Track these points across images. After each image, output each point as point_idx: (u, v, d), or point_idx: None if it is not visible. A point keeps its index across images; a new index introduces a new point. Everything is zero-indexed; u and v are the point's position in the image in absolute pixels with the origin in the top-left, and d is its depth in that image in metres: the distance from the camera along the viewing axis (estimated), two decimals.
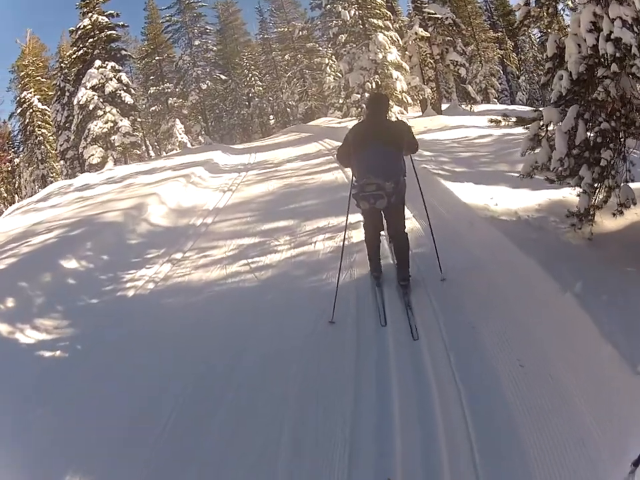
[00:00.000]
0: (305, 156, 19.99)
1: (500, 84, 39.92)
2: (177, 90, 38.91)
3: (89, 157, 30.62)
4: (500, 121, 7.60)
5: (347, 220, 6.90)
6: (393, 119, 18.67)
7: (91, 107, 30.39)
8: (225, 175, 18.90)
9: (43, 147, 38.75)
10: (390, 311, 6.12)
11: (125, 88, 31.59)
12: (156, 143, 42.29)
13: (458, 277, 6.58)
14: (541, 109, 6.93)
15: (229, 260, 8.87)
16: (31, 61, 40.48)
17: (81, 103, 30.44)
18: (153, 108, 40.18)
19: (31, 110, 38.49)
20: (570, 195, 6.94)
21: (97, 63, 30.72)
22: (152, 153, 40.51)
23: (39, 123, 38.63)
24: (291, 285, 7.44)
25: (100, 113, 30.54)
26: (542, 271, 5.64)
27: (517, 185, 7.97)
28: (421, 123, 20.78)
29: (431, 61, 27.93)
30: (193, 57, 39.54)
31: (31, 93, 38.83)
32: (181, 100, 38.35)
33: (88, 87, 30.43)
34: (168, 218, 12.33)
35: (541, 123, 6.61)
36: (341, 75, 26.05)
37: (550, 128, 6.49)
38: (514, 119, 7.50)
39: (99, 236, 10.25)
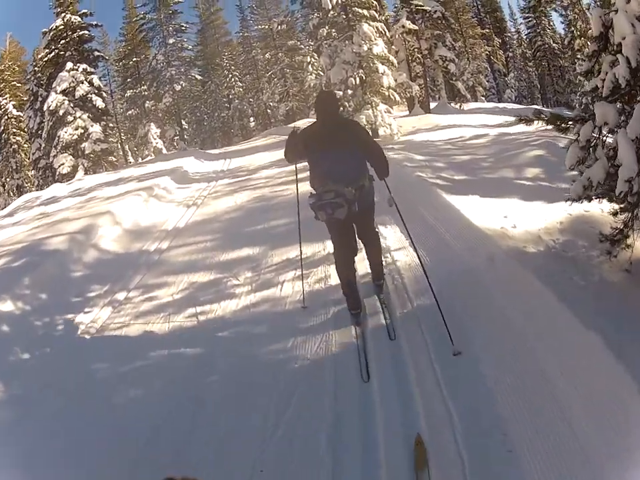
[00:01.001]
0: (282, 162, 16.38)
1: (487, 82, 39.07)
2: (151, 92, 36.58)
3: (59, 166, 28.45)
4: (532, 120, 5.79)
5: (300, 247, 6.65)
6: (374, 118, 17.63)
7: (61, 112, 27.93)
8: (193, 185, 17.00)
9: (17, 155, 36.55)
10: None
11: (96, 91, 29.30)
12: (135, 149, 40.60)
13: (479, 353, 4.90)
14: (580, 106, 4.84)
15: (175, 307, 7.28)
16: (7, 65, 38.40)
17: (51, 108, 27.93)
18: (130, 112, 38.23)
19: (6, 117, 36.31)
20: (594, 208, 6.27)
21: (69, 65, 28.56)
22: (131, 159, 39.07)
23: (14, 130, 36.41)
24: (247, 353, 5.79)
25: (70, 118, 28.40)
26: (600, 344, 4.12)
27: (528, 196, 7.64)
28: (408, 123, 19.69)
29: (419, 56, 26.68)
30: (167, 56, 36.97)
31: (6, 99, 36.78)
32: (154, 102, 36.23)
33: (58, 91, 27.90)
34: (120, 242, 10.69)
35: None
36: (322, 73, 23.64)
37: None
38: (545, 117, 5.74)
39: (40, 268, 8.83)
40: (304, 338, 5.73)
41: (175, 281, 8.20)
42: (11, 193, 35.55)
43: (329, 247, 7.12)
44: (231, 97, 43.87)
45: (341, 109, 18.00)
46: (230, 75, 43.70)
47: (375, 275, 6.24)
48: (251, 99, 44.05)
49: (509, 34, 46.67)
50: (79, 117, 28.25)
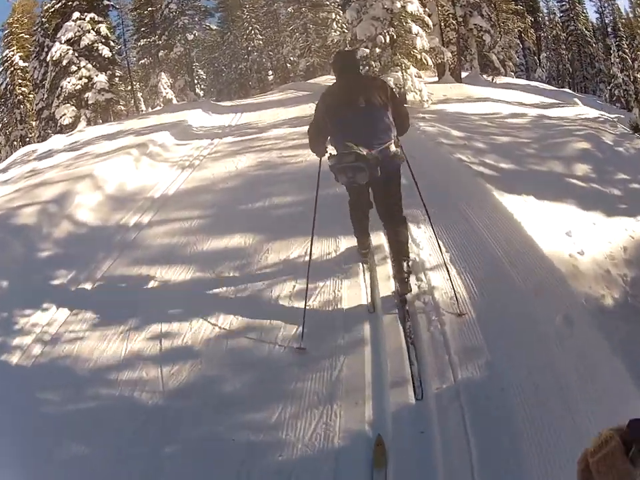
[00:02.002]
0: (296, 120, 15.96)
1: (518, 58, 36.93)
2: (162, 41, 34.31)
3: (61, 116, 26.70)
4: None
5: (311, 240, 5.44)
6: (403, 81, 15.69)
7: (64, 62, 26.42)
8: (194, 141, 14.99)
9: (22, 106, 35.10)
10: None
11: (103, 40, 27.73)
12: (148, 98, 38.20)
13: None
14: None
15: (139, 317, 5.64)
16: (16, 17, 36.85)
17: (54, 58, 26.49)
18: (142, 61, 36.03)
19: (12, 68, 35.01)
20: None
21: (75, 14, 27.02)
22: (143, 108, 37.49)
23: (20, 81, 34.98)
24: (210, 431, 4.02)
25: (74, 68, 26.59)
26: None
27: (585, 202, 6.84)
28: (439, 90, 17.61)
29: (453, 22, 24.42)
30: (180, 4, 34.76)
31: (13, 51, 35.40)
32: (166, 51, 34.09)
33: (63, 41, 26.45)
34: (99, 211, 9.25)
35: None
36: (347, 29, 21.55)
37: None
38: None
39: (6, 249, 7.67)
40: (295, 409, 3.99)
41: (146, 274, 6.62)
42: (15, 144, 34.40)
43: (342, 245, 6.18)
44: (250, 49, 42.32)
45: (367, 68, 16.28)
46: (250, 27, 42.10)
47: (400, 284, 5.05)
48: (270, 52, 42.47)
49: (542, 14, 44.48)
50: (84, 67, 26.82)
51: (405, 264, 5.06)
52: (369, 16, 15.75)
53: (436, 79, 22.11)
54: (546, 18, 44.80)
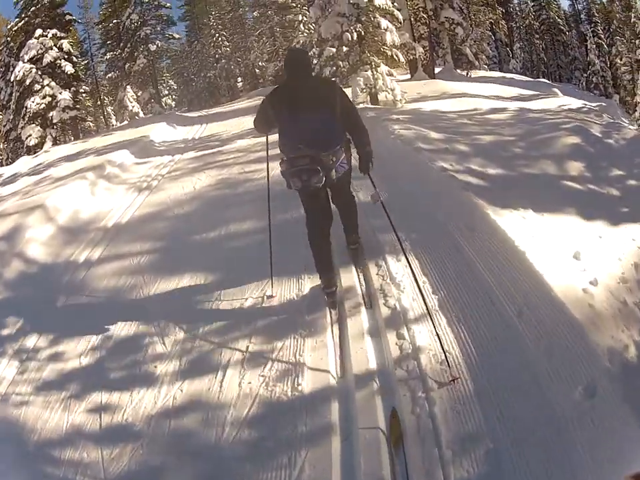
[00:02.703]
0: None
1: (491, 50, 36.33)
2: (125, 53, 33.35)
3: (27, 137, 25.94)
4: None
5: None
6: (374, 81, 14.62)
7: (27, 81, 25.62)
8: (154, 159, 14.10)
9: None
10: None
11: (65, 56, 26.75)
12: (117, 112, 37.21)
13: None
14: None
15: (80, 383, 4.91)
16: None
17: (17, 78, 25.61)
18: (109, 75, 35.14)
19: None
20: None
21: (38, 32, 26.21)
22: (115, 122, 36.79)
23: None
24: None
25: (37, 87, 25.76)
26: None
27: (585, 209, 5.96)
28: (412, 88, 16.65)
29: (424, 16, 23.25)
30: (142, 15, 33.62)
31: None
32: (131, 63, 33.12)
33: (25, 60, 25.65)
34: (51, 246, 8.44)
35: None
36: (313, 29, 20.40)
37: None
38: None
39: None
40: None
41: (90, 326, 5.77)
42: None
43: (306, 286, 5.37)
44: (217, 56, 41.50)
45: (334, 68, 15.42)
46: (217, 34, 41.32)
47: (350, 237, 5.70)
48: (238, 59, 41.51)
49: (512, 4, 44.19)
50: (47, 85, 25.95)
51: (355, 235, 5.60)
52: (335, 12, 14.67)
53: (408, 76, 21.27)
54: (517, 8, 44.56)
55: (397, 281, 4.92)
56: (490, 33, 35.99)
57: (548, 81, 29.20)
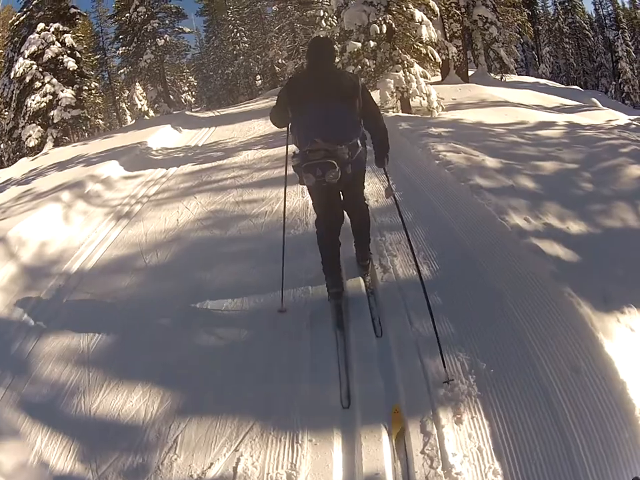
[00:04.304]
0: (271, 137, 13.40)
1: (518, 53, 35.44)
2: (131, 49, 31.55)
3: (27, 138, 24.14)
4: None
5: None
6: (407, 84, 12.33)
7: (28, 78, 23.87)
8: (146, 172, 12.39)
9: None
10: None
11: (68, 52, 24.83)
12: (130, 109, 37.10)
13: None
14: None
15: None
16: None
17: (17, 75, 23.84)
18: (122, 70, 33.68)
19: None
20: None
21: (40, 26, 24.35)
22: (129, 119, 36.58)
23: None
24: None
25: (38, 84, 23.99)
26: None
27: None
28: (447, 92, 14.55)
29: (457, 12, 20.56)
30: (149, 7, 31.64)
31: None
32: (140, 59, 31.19)
33: (26, 56, 23.83)
34: (8, 291, 6.72)
35: None
36: (335, 23, 18.38)
37: None
38: None
39: None
40: None
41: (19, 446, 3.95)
42: None
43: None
44: (236, 52, 40.82)
45: (359, 67, 12.96)
46: (235, 30, 40.57)
47: (361, 253, 5.15)
48: (257, 56, 40.64)
49: (539, 7, 43.59)
50: (48, 82, 24.12)
51: (366, 250, 5.07)
52: (360, 1, 12.37)
53: (439, 78, 18.92)
54: (541, 11, 43.99)
55: None
56: (518, 36, 34.31)
57: (580, 89, 27.57)
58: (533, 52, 41.79)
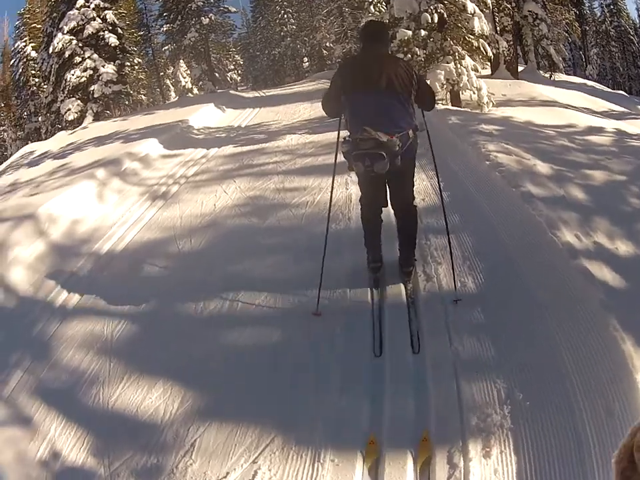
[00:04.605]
0: (317, 121, 13.16)
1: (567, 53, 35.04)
2: (175, 27, 31.22)
3: (66, 112, 24.48)
4: None
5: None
6: (457, 77, 12.03)
7: (67, 53, 24.30)
8: (185, 151, 12.08)
9: (36, 97, 33.96)
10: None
11: (110, 28, 25.21)
12: (175, 86, 37.31)
13: None
14: None
15: None
16: (27, 8, 36.30)
17: (56, 49, 24.20)
18: (166, 47, 33.30)
19: (25, 59, 34.57)
20: None
21: (80, 2, 24.50)
22: (173, 95, 36.62)
23: (32, 72, 34.03)
24: None
25: (78, 59, 24.43)
26: None
27: None
28: (496, 88, 14.03)
29: (508, 6, 19.95)
30: None
31: (25, 41, 35.11)
32: (189, 38, 30.81)
33: (65, 31, 24.27)
34: (37, 270, 6.58)
35: None
36: (385, 9, 18.31)
37: None
38: None
39: None
40: None
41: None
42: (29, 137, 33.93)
43: None
44: (283, 34, 40.81)
45: (408, 56, 12.35)
46: (282, 11, 40.49)
47: (404, 257, 4.89)
48: (305, 38, 40.33)
49: (586, 8, 42.24)
50: (88, 57, 24.51)
51: (411, 255, 4.87)
52: None
53: (488, 72, 18.35)
54: (589, 12, 43.19)
55: None
56: (566, 34, 33.65)
57: (626, 94, 26.71)
58: (580, 52, 41.06)
